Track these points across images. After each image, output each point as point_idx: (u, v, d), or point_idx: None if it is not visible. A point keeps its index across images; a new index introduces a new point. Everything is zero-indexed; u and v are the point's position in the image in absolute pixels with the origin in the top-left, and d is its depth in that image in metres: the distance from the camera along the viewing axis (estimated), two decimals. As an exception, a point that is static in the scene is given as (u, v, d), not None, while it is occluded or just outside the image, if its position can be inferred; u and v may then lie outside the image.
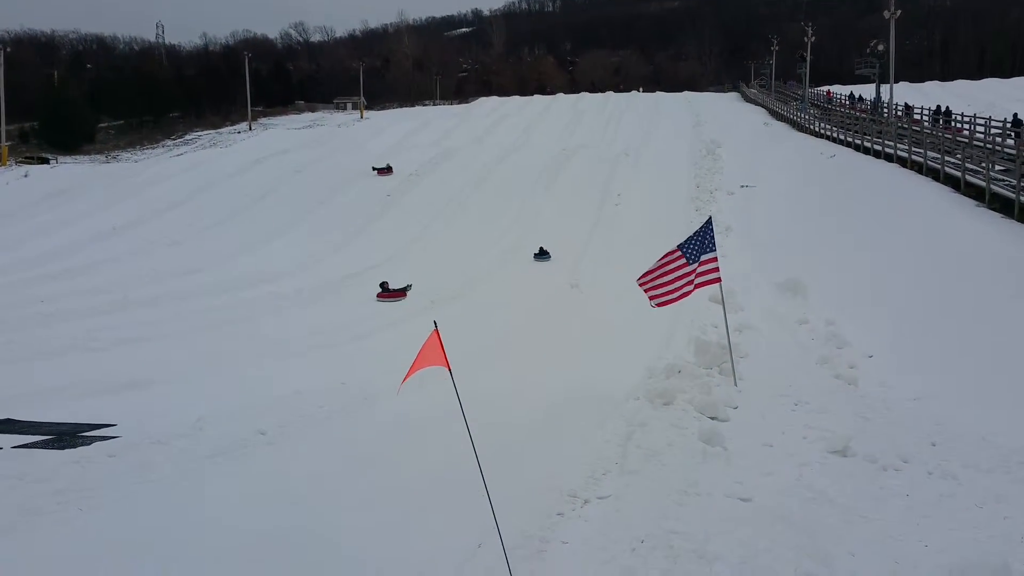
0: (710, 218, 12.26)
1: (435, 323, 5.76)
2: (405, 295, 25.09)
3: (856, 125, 37.10)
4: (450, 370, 5.67)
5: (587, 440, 9.31)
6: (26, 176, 46.59)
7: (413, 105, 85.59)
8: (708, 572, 5.67)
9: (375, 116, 71.99)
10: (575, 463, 8.40)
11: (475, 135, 54.58)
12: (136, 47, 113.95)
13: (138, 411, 11.88)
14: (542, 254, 28.65)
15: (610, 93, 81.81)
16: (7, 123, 55.36)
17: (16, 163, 53.50)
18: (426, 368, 5.47)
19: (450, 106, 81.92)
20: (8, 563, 6.24)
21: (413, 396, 13.15)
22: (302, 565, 6.27)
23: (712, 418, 9.30)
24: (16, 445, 10.39)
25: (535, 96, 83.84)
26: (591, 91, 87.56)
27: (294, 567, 6.19)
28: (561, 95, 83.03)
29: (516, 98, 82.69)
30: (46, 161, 55.29)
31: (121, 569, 6.18)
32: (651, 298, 11.41)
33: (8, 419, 11.85)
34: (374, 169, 41.25)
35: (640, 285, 11.53)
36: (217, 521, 7.30)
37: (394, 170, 40.90)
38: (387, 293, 25.21)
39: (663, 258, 11.52)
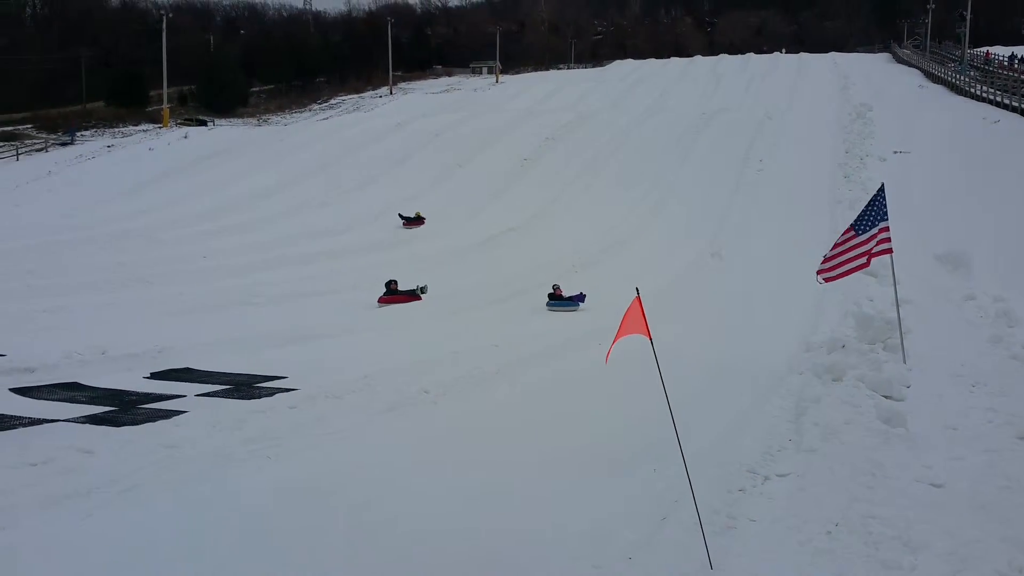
0: (882, 185, 11.72)
1: (637, 290, 5.74)
2: (419, 298, 19.97)
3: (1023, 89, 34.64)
4: (651, 339, 5.66)
5: (753, 414, 9.16)
6: (186, 137, 49.14)
7: (547, 69, 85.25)
8: (913, 561, 5.50)
9: (510, 80, 72.11)
10: (745, 437, 8.29)
11: (611, 99, 53.90)
12: (284, 14, 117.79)
13: (305, 365, 12.43)
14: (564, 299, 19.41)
15: (751, 55, 78.99)
16: (167, 86, 58.50)
17: (176, 124, 56.48)
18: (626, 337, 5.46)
19: (585, 70, 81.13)
20: (207, 504, 6.68)
21: (562, 360, 13.36)
22: (481, 523, 6.44)
23: (886, 397, 8.98)
24: (199, 393, 11.09)
25: (672, 59, 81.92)
26: (731, 53, 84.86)
27: (475, 526, 6.37)
28: (699, 57, 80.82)
29: (652, 61, 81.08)
30: (204, 123, 58.06)
31: (313, 514, 6.51)
32: (819, 272, 10.98)
33: (187, 368, 12.64)
34: (401, 218, 31.11)
35: (819, 273, 11.05)
36: (394, 477, 7.57)
37: (425, 221, 30.94)
38: (393, 296, 19.80)
39: (838, 240, 11.10)
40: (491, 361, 12.87)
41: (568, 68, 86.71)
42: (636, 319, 5.44)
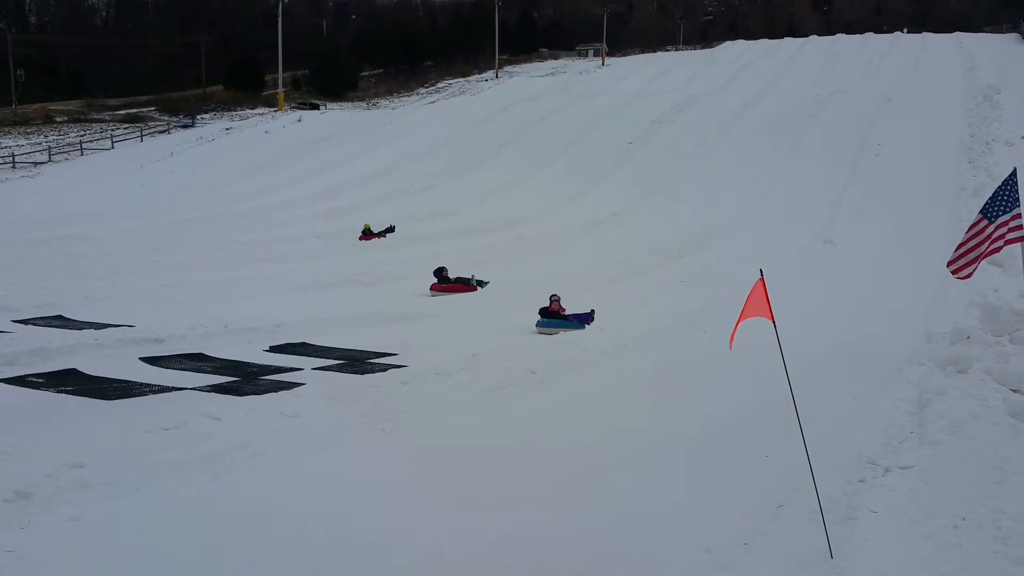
0: (1014, 170, 11.15)
1: (761, 271, 5.65)
2: (475, 288, 18.80)
3: None
4: (774, 322, 5.57)
5: (871, 404, 8.91)
6: (299, 121, 50.65)
7: (655, 51, 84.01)
8: (1048, 559, 5.26)
9: (616, 63, 71.42)
10: (864, 427, 8.08)
11: (720, 81, 52.78)
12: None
13: (414, 342, 12.69)
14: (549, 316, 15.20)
15: (869, 35, 75.89)
16: (282, 70, 60.31)
17: (290, 108, 58.22)
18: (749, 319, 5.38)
19: (693, 51, 79.62)
20: (331, 473, 6.92)
21: (668, 344, 13.26)
22: (589, 502, 6.48)
23: (1015, 391, 8.58)
24: (315, 367, 11.48)
25: (785, 39, 79.51)
26: (848, 33, 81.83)
27: (582, 505, 6.41)
28: (815, 37, 78.19)
29: (764, 41, 78.87)
30: (316, 107, 59.65)
31: (425, 485, 6.67)
32: (954, 272, 10.46)
33: (303, 342, 13.09)
34: (370, 234, 25.88)
35: (950, 267, 10.55)
36: (502, 455, 7.69)
37: (393, 231, 26.56)
38: (446, 285, 18.76)
39: (967, 231, 10.59)
40: (596, 344, 12.87)
41: (676, 50, 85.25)
42: (759, 301, 5.35)
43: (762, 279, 5.50)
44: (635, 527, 5.94)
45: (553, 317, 14.86)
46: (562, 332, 13.97)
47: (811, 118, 38.58)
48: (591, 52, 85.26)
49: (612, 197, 32.26)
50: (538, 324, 14.83)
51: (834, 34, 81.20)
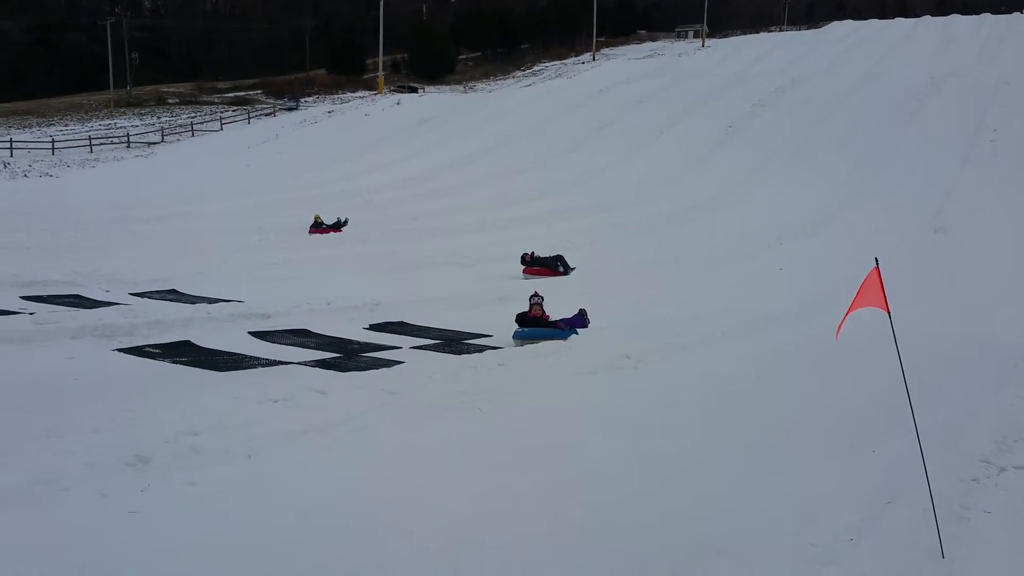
0: None
1: (876, 260, 5.51)
2: (562, 273, 18.62)
3: None
4: (889, 313, 5.43)
5: (986, 401, 8.58)
6: (399, 104, 51.41)
7: (757, 32, 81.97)
8: None
9: (716, 44, 69.95)
10: (977, 425, 7.79)
11: (826, 62, 51.16)
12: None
13: (508, 324, 12.76)
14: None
15: (987, 15, 72.35)
16: (383, 54, 61.24)
17: (390, 91, 59.12)
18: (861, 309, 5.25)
19: (799, 32, 77.33)
20: (430, 449, 7.09)
21: (768, 333, 13.01)
22: (684, 490, 6.44)
23: None
24: (413, 346, 11.72)
25: (896, 19, 76.53)
26: (963, 12, 78.17)
27: (677, 493, 6.38)
28: (927, 17, 74.99)
29: (874, 21, 76.06)
30: (415, 90, 60.43)
31: (519, 464, 6.76)
32: None
33: (402, 321, 13.36)
34: (320, 226, 24.12)
35: None
36: (592, 439, 7.71)
37: (343, 228, 24.35)
38: (536, 268, 18.68)
39: None
40: (693, 329, 12.73)
41: (780, 31, 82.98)
42: (873, 291, 5.21)
43: (877, 267, 5.35)
44: (734, 517, 5.88)
45: (536, 325, 12.01)
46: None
47: (921, 102, 37.06)
48: (691, 33, 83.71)
49: (710, 182, 31.74)
50: (516, 335, 11.87)
51: (948, 14, 77.68)
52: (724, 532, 5.65)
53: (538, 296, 12.44)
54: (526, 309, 12.26)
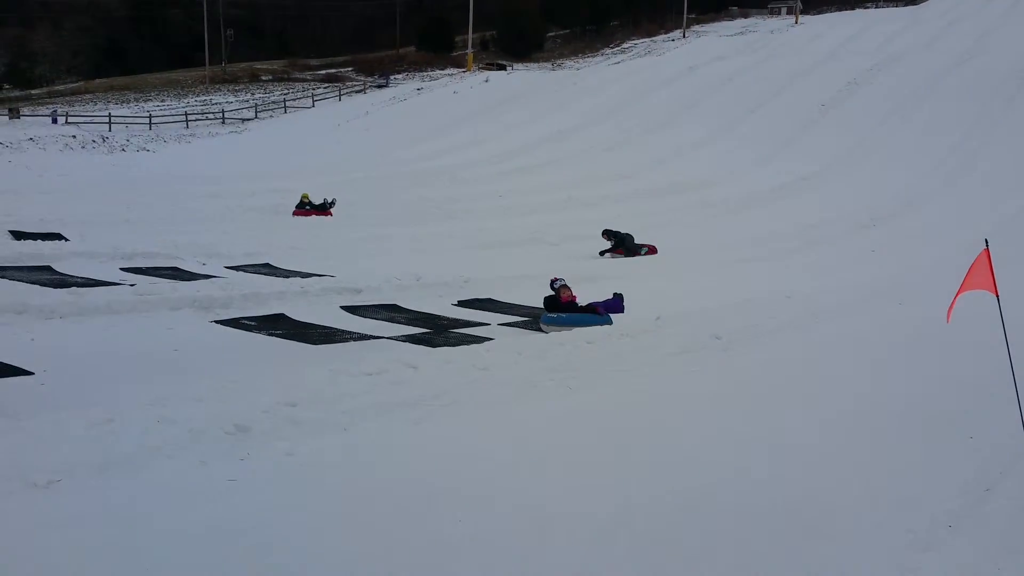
0: None
1: (986, 241, 5.33)
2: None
3: None
4: (998, 296, 5.25)
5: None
6: (487, 81, 51.58)
7: (853, 8, 79.18)
8: None
9: (810, 20, 67.91)
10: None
11: (924, 40, 49.18)
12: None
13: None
14: None
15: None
16: (472, 32, 61.40)
17: (479, 69, 59.31)
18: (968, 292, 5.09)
19: (896, 8, 74.48)
20: (521, 425, 7.17)
21: (858, 316, 12.68)
22: (777, 474, 6.36)
23: None
24: (501, 323, 11.82)
25: (1001, -6, 72.92)
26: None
27: (770, 478, 6.31)
28: (1035, -9, 71.22)
29: (976, -3, 72.72)
30: (503, 68, 60.49)
31: (612, 446, 6.78)
32: None
33: (490, 299, 13.49)
34: (304, 207, 23.19)
35: None
36: (689, 419, 7.66)
37: (331, 209, 23.24)
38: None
39: None
40: (783, 312, 12.48)
41: (877, 7, 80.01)
42: (982, 273, 5.04)
43: (987, 250, 5.17)
44: (833, 500, 5.79)
45: (567, 310, 11.51)
46: (577, 330, 10.44)
47: (1024, 81, 35.42)
48: (784, 10, 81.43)
49: (802, 161, 31.05)
50: (544, 320, 11.40)
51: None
52: (824, 516, 5.57)
53: (561, 279, 12.00)
54: (551, 293, 11.82)
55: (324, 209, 23.06)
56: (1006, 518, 5.39)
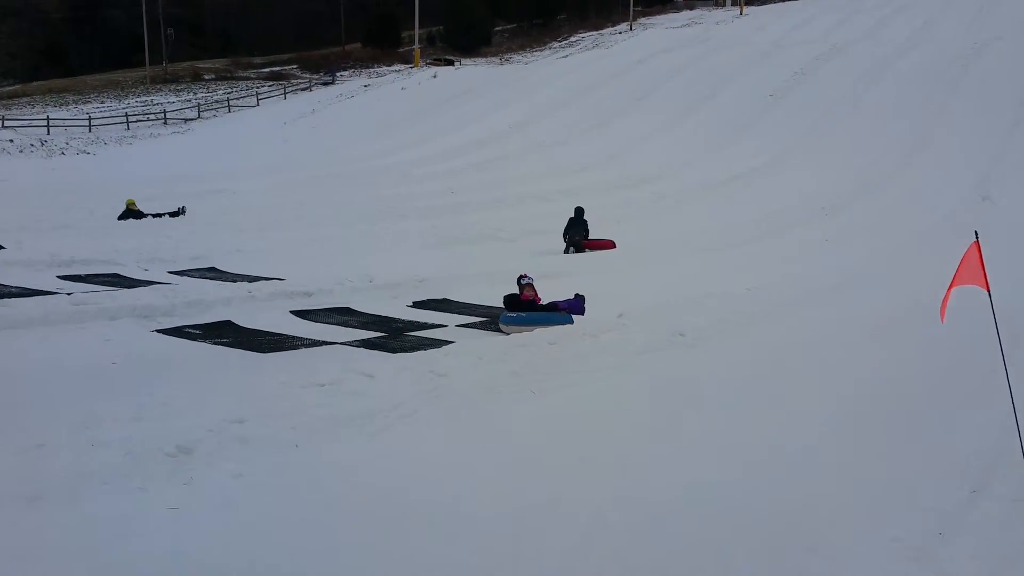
0: None
1: (976, 233, 5.12)
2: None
3: None
4: (989, 291, 5.04)
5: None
6: (435, 77, 51.01)
7: (797, -1, 79.98)
8: None
9: (755, 11, 68.51)
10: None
11: (867, 29, 49.89)
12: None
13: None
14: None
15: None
16: (418, 27, 60.73)
17: (426, 64, 58.66)
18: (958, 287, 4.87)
19: (839, -2, 75.36)
20: (484, 435, 6.83)
21: (830, 308, 12.59)
22: (758, 474, 6.12)
23: None
24: (459, 324, 11.45)
25: (939, -17, 74.21)
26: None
27: (753, 478, 6.06)
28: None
29: (915, -14, 73.95)
30: (451, 63, 59.90)
31: (580, 451, 6.51)
32: None
33: (446, 299, 13.11)
34: (133, 214, 20.88)
35: None
36: (655, 421, 7.40)
37: (184, 213, 21.43)
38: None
39: None
40: (746, 306, 12.32)
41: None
42: (973, 267, 4.82)
43: (977, 242, 4.96)
44: (816, 505, 5.54)
45: (528, 308, 11.10)
46: (538, 330, 10.00)
47: (966, 67, 35.99)
48: (728, 1, 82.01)
49: (752, 152, 31.15)
50: (504, 320, 10.93)
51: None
52: (807, 521, 5.33)
53: (528, 277, 11.65)
54: (514, 292, 11.46)
55: (175, 214, 21.03)
56: (997, 522, 5.19)
